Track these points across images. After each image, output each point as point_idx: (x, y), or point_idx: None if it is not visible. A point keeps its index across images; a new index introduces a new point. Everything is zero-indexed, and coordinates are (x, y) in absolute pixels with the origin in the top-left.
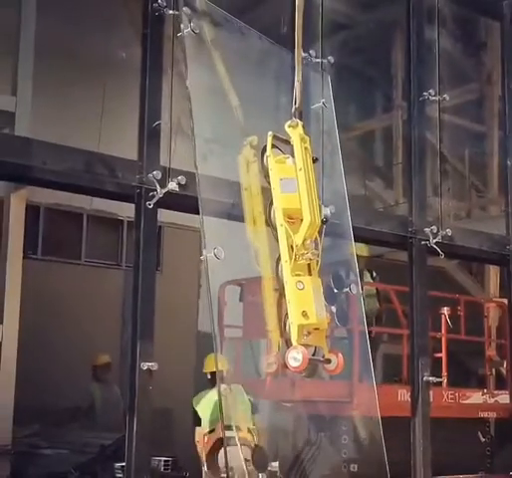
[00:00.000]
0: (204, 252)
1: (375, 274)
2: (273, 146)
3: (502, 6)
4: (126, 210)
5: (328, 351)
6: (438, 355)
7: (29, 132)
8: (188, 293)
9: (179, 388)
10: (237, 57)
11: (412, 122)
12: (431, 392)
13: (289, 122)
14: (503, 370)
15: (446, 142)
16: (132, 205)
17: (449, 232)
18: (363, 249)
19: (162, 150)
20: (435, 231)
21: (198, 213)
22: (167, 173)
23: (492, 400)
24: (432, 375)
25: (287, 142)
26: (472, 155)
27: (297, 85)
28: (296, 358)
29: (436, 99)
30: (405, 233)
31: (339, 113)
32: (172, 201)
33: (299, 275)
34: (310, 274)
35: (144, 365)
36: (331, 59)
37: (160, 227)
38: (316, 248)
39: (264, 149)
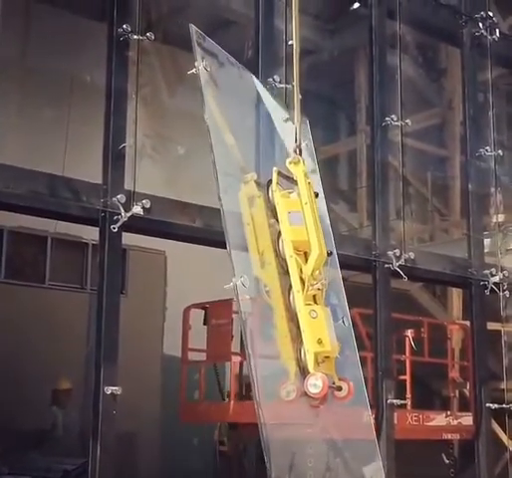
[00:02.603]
0: (233, 280)
1: None
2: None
3: (462, 33)
4: (90, 233)
5: (338, 378)
6: (402, 377)
7: None
8: (154, 316)
9: (144, 412)
10: (235, 96)
11: (375, 147)
12: (395, 415)
13: (290, 159)
14: (466, 392)
15: (409, 166)
16: (97, 228)
17: (412, 255)
18: None
19: (127, 174)
20: (398, 254)
21: (162, 236)
22: (132, 197)
23: (456, 422)
24: (396, 398)
25: (288, 178)
26: (434, 179)
27: (297, 124)
28: (316, 384)
29: (399, 124)
30: (369, 256)
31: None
32: (137, 225)
33: (310, 304)
34: (316, 303)
35: (108, 390)
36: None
37: (125, 250)
38: (324, 279)
39: (268, 184)
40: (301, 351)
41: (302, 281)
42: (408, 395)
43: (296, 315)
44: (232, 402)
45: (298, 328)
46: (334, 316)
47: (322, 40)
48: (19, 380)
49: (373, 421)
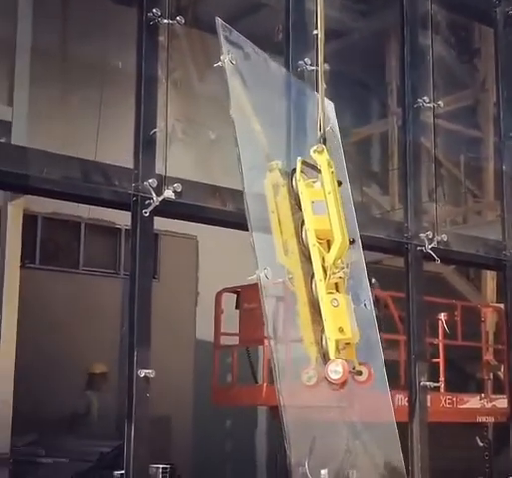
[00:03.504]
0: (257, 271)
1: (373, 280)
2: (300, 171)
3: (495, 12)
4: (123, 218)
5: (358, 363)
6: (436, 360)
7: (26, 142)
8: (186, 300)
9: (178, 396)
10: (261, 86)
11: (408, 129)
12: (429, 398)
13: (314, 148)
14: (501, 375)
15: (442, 148)
16: (129, 213)
17: (445, 237)
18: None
19: (158, 158)
20: (431, 237)
21: (193, 221)
22: (163, 181)
23: (490, 405)
24: (430, 381)
25: (312, 167)
26: (468, 161)
27: (320, 113)
28: (336, 371)
29: (431, 105)
30: (402, 239)
31: (336, 120)
32: (169, 209)
33: (331, 292)
34: (338, 291)
35: (142, 373)
36: (326, 66)
37: (158, 235)
38: (345, 267)
39: (291, 174)
40: (322, 337)
41: (324, 269)
42: (442, 378)
43: (318, 302)
44: (265, 386)
45: (319, 315)
46: (356, 299)
47: (353, 21)
48: (54, 365)
49: (406, 404)
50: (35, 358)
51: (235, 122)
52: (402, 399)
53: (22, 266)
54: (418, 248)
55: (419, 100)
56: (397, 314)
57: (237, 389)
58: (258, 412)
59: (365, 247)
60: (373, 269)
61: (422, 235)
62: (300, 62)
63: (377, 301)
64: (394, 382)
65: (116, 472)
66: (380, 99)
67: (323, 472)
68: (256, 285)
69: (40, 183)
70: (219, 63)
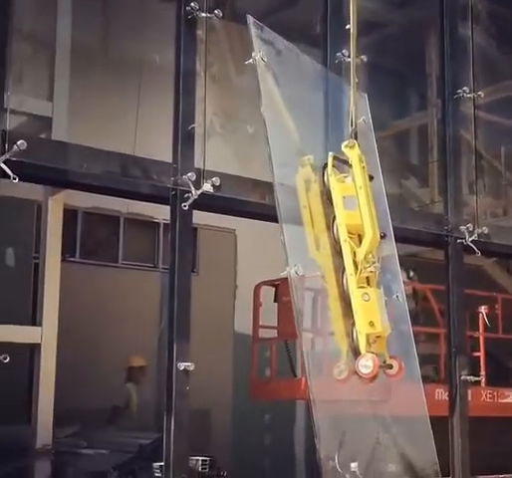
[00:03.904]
0: (287, 268)
1: (412, 273)
2: (332, 166)
3: None
4: (161, 212)
5: (389, 356)
6: (476, 353)
7: (66, 137)
8: (224, 294)
9: (217, 389)
10: (293, 82)
11: (447, 120)
12: (469, 392)
13: (346, 143)
14: None
15: (481, 140)
16: (168, 207)
17: (486, 230)
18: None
19: (196, 152)
20: (471, 229)
21: (232, 214)
22: (202, 175)
23: None
24: (470, 374)
25: (344, 162)
26: (508, 152)
27: (352, 107)
28: (366, 365)
29: (471, 96)
30: (441, 231)
31: (373, 112)
32: (207, 202)
33: (362, 287)
34: (369, 285)
35: (181, 366)
36: (364, 58)
37: (196, 229)
38: (376, 261)
39: (323, 169)
40: (353, 331)
41: (355, 264)
42: (482, 372)
43: (349, 297)
44: (303, 379)
45: (351, 309)
46: (388, 291)
47: (391, 12)
48: (94, 358)
49: (446, 398)
50: (76, 350)
51: (266, 120)
52: (442, 393)
53: (63, 260)
54: (458, 241)
55: (459, 91)
56: (437, 307)
57: (276, 383)
58: (297, 406)
59: (404, 240)
60: (412, 262)
61: (462, 228)
62: (338, 54)
63: (416, 294)
64: (435, 376)
65: (155, 464)
66: (418, 90)
67: (353, 465)
68: (297, 279)
69: (80, 178)
70: (250, 60)
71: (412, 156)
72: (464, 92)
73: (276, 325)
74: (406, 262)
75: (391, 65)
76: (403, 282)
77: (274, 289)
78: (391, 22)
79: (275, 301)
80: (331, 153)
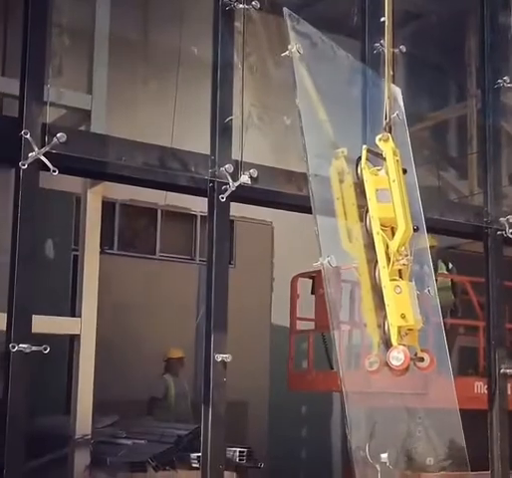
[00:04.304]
0: (320, 259)
1: (451, 265)
2: (365, 158)
3: None
4: (198, 205)
5: (420, 349)
6: None
7: (104, 129)
8: (261, 286)
9: (254, 381)
10: (328, 75)
11: (487, 111)
12: (509, 385)
13: (380, 136)
14: None
15: None
16: (205, 199)
17: None
18: (431, 239)
19: (234, 144)
20: (511, 221)
21: (269, 206)
22: (239, 167)
23: None
24: (510, 367)
25: (377, 155)
26: None
27: (387, 100)
28: (397, 357)
29: None
30: (481, 223)
31: (412, 103)
32: (245, 194)
33: (395, 280)
34: (401, 278)
35: (219, 357)
36: (402, 48)
37: (233, 221)
38: (409, 254)
39: (357, 161)
40: (385, 324)
41: (388, 256)
42: None
43: (381, 289)
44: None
45: (383, 301)
46: (421, 284)
47: (430, 2)
48: (132, 350)
49: (485, 392)
50: (114, 342)
51: (301, 111)
52: (481, 386)
53: (101, 252)
54: (498, 232)
55: (499, 81)
56: (476, 299)
57: (313, 375)
58: (334, 398)
59: (443, 232)
60: (451, 254)
61: (502, 219)
62: (376, 44)
63: (455, 286)
64: (474, 369)
65: (193, 454)
66: (458, 81)
67: (383, 456)
68: (332, 270)
69: (119, 170)
70: (286, 52)
71: (451, 148)
72: (505, 81)
73: (313, 317)
74: (445, 254)
75: (430, 55)
76: (442, 274)
77: (311, 281)
78: (430, 12)
79: (312, 293)
80: (364, 146)
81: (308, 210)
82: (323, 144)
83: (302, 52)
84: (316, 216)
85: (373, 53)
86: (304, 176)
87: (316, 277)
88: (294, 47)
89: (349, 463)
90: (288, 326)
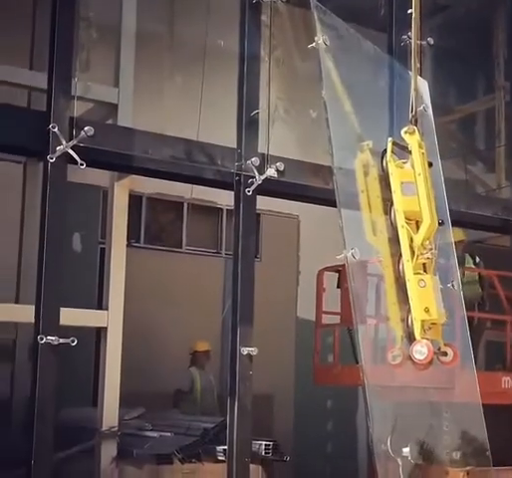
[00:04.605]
0: (344, 252)
1: (478, 259)
2: (391, 151)
3: None
4: (224, 198)
5: (443, 343)
6: None
7: (131, 123)
8: (287, 280)
9: (279, 374)
10: (354, 67)
11: None
12: None
13: (406, 129)
14: None
15: None
16: (232, 193)
17: None
18: (458, 233)
19: (260, 137)
20: None
21: (295, 199)
22: (266, 160)
23: None
24: None
25: (403, 148)
26: None
27: (413, 93)
28: (421, 351)
29: None
30: (508, 217)
31: (439, 96)
32: (271, 187)
33: (419, 273)
34: (425, 272)
35: (245, 351)
36: (430, 40)
37: (259, 215)
38: (433, 248)
39: (382, 154)
40: (408, 317)
41: (412, 250)
42: None
43: (405, 283)
44: (368, 366)
45: (406, 295)
46: (444, 279)
47: None
48: (159, 342)
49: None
50: (141, 335)
51: (327, 103)
52: (509, 381)
53: (128, 245)
54: None
55: None
56: (504, 294)
57: (339, 369)
58: (359, 392)
59: (469, 226)
60: (477, 248)
61: None
62: (404, 36)
63: (482, 280)
64: (501, 364)
65: (219, 447)
66: (486, 73)
67: (405, 450)
68: (358, 264)
69: (145, 163)
70: (313, 44)
71: (479, 141)
72: None
73: (339, 310)
74: (472, 248)
75: (458, 47)
76: (469, 268)
77: (337, 274)
78: (458, 3)
79: (338, 286)
80: (390, 139)
81: (334, 204)
82: (348, 137)
83: (328, 43)
84: (340, 209)
85: (400, 45)
86: (330, 169)
87: (342, 271)
88: (320, 38)
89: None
90: (313, 319)
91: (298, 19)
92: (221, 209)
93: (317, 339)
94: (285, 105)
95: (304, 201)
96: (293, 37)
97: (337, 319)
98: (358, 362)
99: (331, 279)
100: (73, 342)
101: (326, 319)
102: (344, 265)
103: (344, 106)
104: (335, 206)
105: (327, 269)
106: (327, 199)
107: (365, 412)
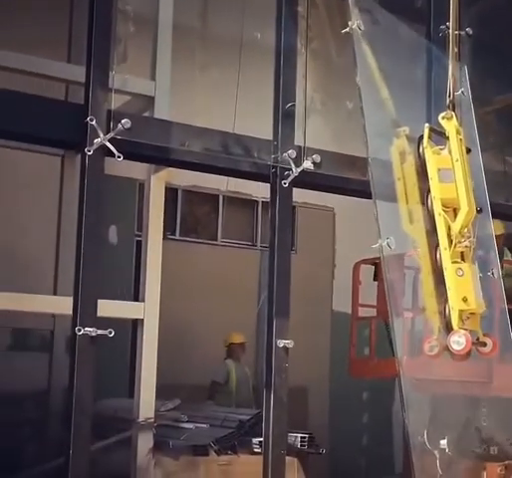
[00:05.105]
0: (379, 241)
1: None
2: (428, 137)
3: None
4: (260, 191)
5: (482, 334)
6: None
7: (168, 115)
8: (322, 272)
9: (314, 367)
10: (390, 52)
11: None
12: None
13: (443, 114)
14: None
15: None
16: (267, 185)
17: None
18: (498, 226)
19: (297, 129)
20: None
21: (332, 191)
22: (302, 152)
23: None
24: None
25: (440, 134)
26: None
27: (451, 78)
28: (459, 341)
29: None
30: None
31: (477, 86)
32: (307, 180)
33: (457, 262)
34: (464, 261)
35: (281, 343)
36: (469, 30)
37: (294, 207)
38: (472, 236)
39: (419, 140)
40: (446, 307)
41: (450, 238)
42: None
43: (442, 272)
44: (404, 358)
45: (444, 285)
46: (483, 267)
47: None
48: (195, 335)
49: None
50: (177, 327)
51: (361, 90)
52: None
53: (164, 238)
54: None
55: None
56: None
57: (375, 362)
58: (395, 386)
59: (508, 218)
60: None
61: None
62: (442, 27)
63: None
64: None
65: (255, 439)
66: None
67: (442, 442)
68: (395, 256)
69: (182, 155)
70: (347, 29)
71: None
72: None
73: (375, 303)
74: (511, 241)
75: (498, 37)
76: (507, 261)
77: (373, 267)
78: None
79: (375, 279)
80: (427, 125)
81: (370, 196)
82: (384, 124)
83: (363, 28)
84: (375, 198)
85: (438, 35)
86: (366, 161)
87: (378, 263)
88: (354, 23)
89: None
90: (349, 312)
91: (334, 10)
92: (256, 202)
93: (353, 331)
94: (321, 97)
95: (340, 193)
96: (329, 29)
97: (373, 312)
98: (394, 355)
99: (367, 272)
100: (110, 333)
101: (362, 312)
102: (380, 257)
103: (380, 92)
104: (371, 198)
105: (363, 262)
106: (363, 191)
107: (400, 405)
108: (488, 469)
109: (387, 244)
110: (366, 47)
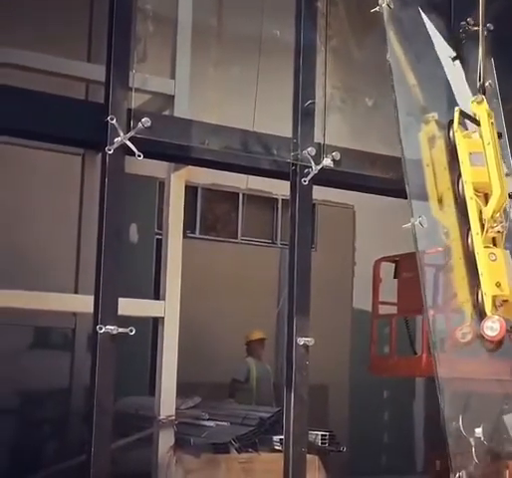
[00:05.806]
0: (411, 220)
1: None
2: (458, 122)
3: None
4: (280, 188)
5: None
6: None
7: (188, 114)
8: (343, 270)
9: (335, 365)
10: (417, 35)
11: None
12: None
13: (474, 98)
14: None
15: None
16: (287, 183)
17: None
18: None
19: (316, 127)
20: None
21: (352, 189)
22: (322, 149)
23: None
24: None
25: (470, 118)
26: None
27: (481, 62)
28: (492, 327)
29: None
30: None
31: (502, 82)
32: (327, 177)
33: (489, 247)
34: (496, 246)
35: (301, 341)
36: (490, 26)
37: (314, 205)
38: (504, 221)
39: (449, 125)
40: (478, 293)
41: (481, 223)
42: None
43: (474, 257)
44: (424, 356)
45: (476, 270)
46: None
47: None
48: (215, 333)
49: None
50: (197, 325)
51: (392, 67)
52: None
53: (184, 236)
54: None
55: None
56: None
57: (395, 360)
58: (416, 383)
59: None
60: None
61: None
62: (462, 23)
63: None
64: None
65: (275, 437)
66: None
67: (478, 431)
68: (415, 254)
69: (202, 154)
70: (377, 8)
71: None
72: None
73: (395, 301)
74: None
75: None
76: None
77: (394, 265)
78: None
79: (395, 277)
80: (457, 108)
81: (391, 193)
82: (412, 108)
83: (393, 6)
84: (407, 177)
85: (459, 31)
86: (387, 159)
87: (399, 261)
88: (385, 1)
89: (432, 449)
90: (369, 310)
91: (353, 8)
92: (276, 199)
93: (373, 329)
94: (341, 94)
95: (360, 191)
96: (349, 26)
97: (393, 309)
98: (415, 353)
99: (388, 269)
100: (131, 331)
101: (382, 309)
102: (401, 255)
103: (406, 78)
104: (391, 196)
105: (384, 259)
106: (383, 189)
107: (422, 404)
108: (510, 467)
109: (420, 222)
110: (395, 26)
